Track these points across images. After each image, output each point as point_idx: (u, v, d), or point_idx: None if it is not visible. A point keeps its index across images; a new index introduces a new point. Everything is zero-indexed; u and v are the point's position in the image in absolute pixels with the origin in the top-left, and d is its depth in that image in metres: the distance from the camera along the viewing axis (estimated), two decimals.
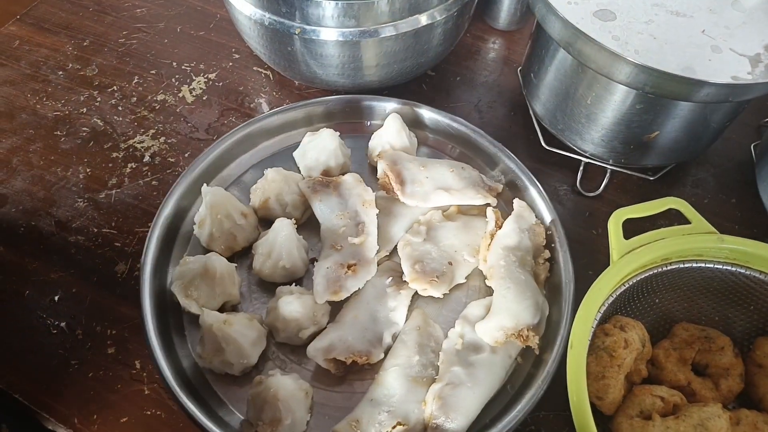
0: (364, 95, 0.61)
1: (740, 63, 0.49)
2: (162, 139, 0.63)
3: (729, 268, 0.45)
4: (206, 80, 0.68)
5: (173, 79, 0.68)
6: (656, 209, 0.46)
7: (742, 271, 0.45)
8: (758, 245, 0.45)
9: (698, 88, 0.47)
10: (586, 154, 0.60)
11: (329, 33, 0.56)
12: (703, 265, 0.45)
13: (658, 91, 0.49)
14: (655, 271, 0.45)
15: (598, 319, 0.42)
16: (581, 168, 0.61)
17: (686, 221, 0.47)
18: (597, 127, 0.56)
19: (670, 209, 0.46)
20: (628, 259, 0.43)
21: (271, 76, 0.69)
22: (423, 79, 0.69)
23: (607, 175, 0.60)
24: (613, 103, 0.53)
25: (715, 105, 0.52)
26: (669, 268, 0.45)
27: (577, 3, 0.52)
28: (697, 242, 0.45)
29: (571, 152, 0.62)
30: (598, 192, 0.60)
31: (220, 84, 0.68)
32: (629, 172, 0.61)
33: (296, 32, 0.55)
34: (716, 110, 0.54)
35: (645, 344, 0.45)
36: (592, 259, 0.54)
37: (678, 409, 0.43)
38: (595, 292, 0.42)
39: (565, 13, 0.50)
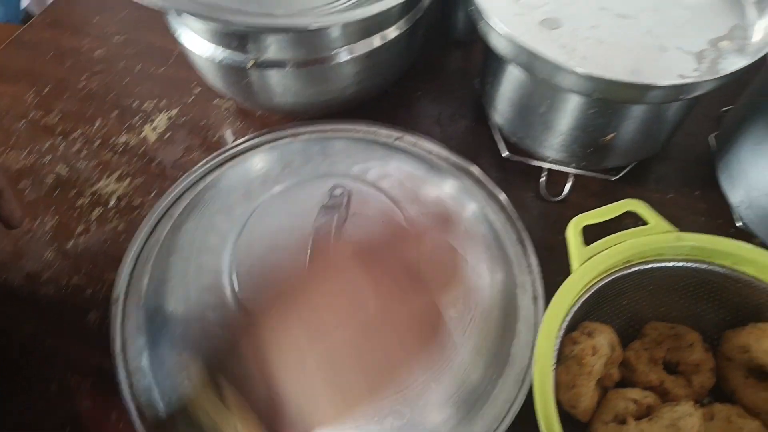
0: (324, 120, 0.61)
1: (686, 61, 0.49)
2: (127, 181, 0.63)
3: (690, 265, 0.46)
4: (169, 117, 0.69)
5: (135, 119, 0.68)
6: (614, 213, 0.46)
7: (704, 266, 0.46)
8: (716, 240, 0.45)
9: (645, 91, 0.48)
10: (548, 160, 0.61)
11: (283, 63, 0.56)
12: (664, 264, 0.46)
13: (607, 96, 0.50)
14: (618, 274, 0.45)
15: (564, 328, 0.43)
16: (544, 174, 0.61)
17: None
18: (554, 133, 0.57)
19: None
20: (589, 266, 0.44)
21: (232, 107, 0.70)
22: (384, 97, 0.70)
23: (570, 179, 0.61)
24: (567, 110, 0.54)
25: (667, 104, 0.53)
26: (631, 270, 0.45)
27: (523, 14, 0.53)
28: (656, 242, 0.45)
29: (533, 159, 0.62)
30: (562, 197, 0.61)
31: (183, 119, 0.68)
32: (592, 174, 0.61)
33: (249, 65, 0.56)
34: (669, 108, 0.54)
35: (615, 348, 0.45)
36: (562, 264, 0.54)
37: (652, 410, 0.44)
38: (557, 304, 0.42)
39: (509, 26, 0.51)
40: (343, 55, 0.57)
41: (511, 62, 0.53)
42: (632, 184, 0.62)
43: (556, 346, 0.42)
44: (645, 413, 0.43)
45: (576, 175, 0.61)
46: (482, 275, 0.49)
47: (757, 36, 0.51)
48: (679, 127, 0.59)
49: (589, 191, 0.62)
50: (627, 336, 0.49)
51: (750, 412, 0.44)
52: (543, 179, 0.61)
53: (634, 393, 0.44)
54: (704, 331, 0.48)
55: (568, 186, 0.61)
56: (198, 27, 0.57)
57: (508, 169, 0.63)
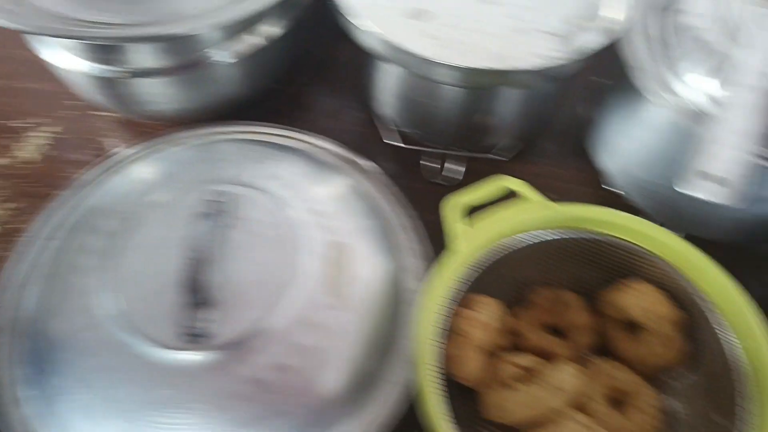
0: (210, 124, 0.60)
1: (550, 42, 0.52)
2: (12, 205, 0.60)
3: (568, 235, 0.48)
4: (50, 133, 0.66)
5: (14, 138, 0.66)
6: (490, 190, 0.48)
7: (581, 235, 0.48)
8: (587, 209, 0.48)
9: (512, 76, 0.50)
10: (440, 148, 0.63)
11: (158, 72, 0.55)
12: (543, 235, 0.48)
13: (477, 84, 0.52)
14: (500, 248, 0.47)
15: (448, 304, 0.44)
16: (437, 162, 0.63)
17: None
18: (440, 122, 0.58)
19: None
20: (465, 243, 0.46)
21: (116, 117, 0.68)
22: (275, 95, 0.70)
23: (463, 164, 0.63)
24: (445, 99, 0.55)
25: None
26: (512, 243, 0.48)
27: (390, 7, 0.54)
28: (532, 215, 0.48)
29: (425, 147, 0.64)
30: (459, 181, 0.63)
31: (65, 135, 0.66)
32: (485, 157, 0.64)
33: (122, 77, 0.54)
34: (542, 88, 0.57)
35: (501, 318, 0.47)
36: None
37: (535, 373, 0.46)
38: (434, 281, 0.44)
39: (376, 19, 0.52)
40: (221, 58, 0.57)
41: (379, 57, 0.54)
42: (525, 162, 0.65)
43: (440, 322, 0.44)
44: (531, 377, 0.46)
45: (469, 160, 0.63)
46: (371, 266, 0.50)
47: (611, 12, 0.54)
48: (560, 103, 0.62)
49: (484, 174, 0.64)
50: (517, 304, 0.51)
51: (627, 365, 0.47)
52: (436, 166, 0.63)
53: (519, 358, 0.47)
54: (586, 293, 0.51)
55: (461, 171, 0.63)
56: (64, 43, 0.55)
57: (402, 160, 0.64)
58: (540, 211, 0.47)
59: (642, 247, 0.48)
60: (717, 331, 0.44)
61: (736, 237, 0.55)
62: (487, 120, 0.58)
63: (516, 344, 0.49)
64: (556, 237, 0.49)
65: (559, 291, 0.51)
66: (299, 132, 0.61)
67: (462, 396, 0.45)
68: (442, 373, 0.43)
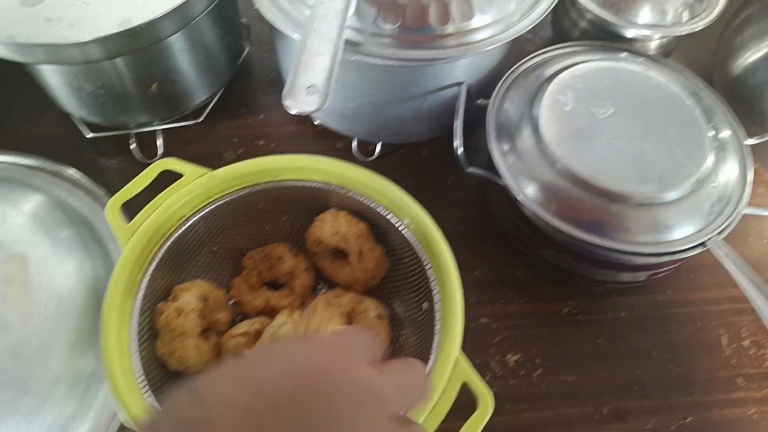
0: None
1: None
2: None
3: (239, 194, 0.48)
4: None
5: None
6: (148, 179, 0.46)
7: (249, 191, 0.48)
8: (241, 165, 0.47)
9: (148, 30, 0.49)
10: (132, 126, 0.59)
11: None
12: (214, 205, 0.47)
13: (118, 51, 0.50)
14: (178, 233, 0.46)
15: (137, 308, 0.43)
16: (133, 141, 0.59)
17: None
18: (114, 100, 0.55)
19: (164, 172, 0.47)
20: (136, 241, 0.44)
21: None
22: None
23: (160, 136, 0.60)
24: (103, 77, 0.53)
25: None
26: (188, 224, 0.46)
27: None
28: (195, 190, 0.46)
29: (119, 130, 0.60)
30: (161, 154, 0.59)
31: None
32: (180, 124, 0.60)
33: None
34: (170, 43, 0.55)
35: (208, 297, 0.47)
36: None
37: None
38: (111, 291, 0.42)
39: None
40: None
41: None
42: (225, 118, 0.63)
43: (134, 328, 0.42)
44: (254, 339, 0.47)
45: (164, 131, 0.60)
46: (70, 273, 0.47)
47: None
48: (227, 49, 0.60)
49: (186, 140, 0.62)
50: (237, 275, 0.51)
51: (345, 288, 0.50)
52: (134, 145, 0.59)
53: (242, 326, 0.47)
54: (294, 240, 0.52)
55: (159, 143, 0.60)
56: None
57: (99, 147, 0.61)
58: (201, 183, 0.46)
59: (315, 181, 0.49)
60: (394, 225, 0.47)
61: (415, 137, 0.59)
62: (150, 87, 0.55)
63: (242, 313, 0.50)
64: (242, 195, 0.48)
65: (267, 247, 0.51)
66: None
67: None
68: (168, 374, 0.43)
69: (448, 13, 0.47)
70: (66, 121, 0.61)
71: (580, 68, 0.53)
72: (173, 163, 0.47)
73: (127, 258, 0.43)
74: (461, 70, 0.52)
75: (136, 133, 0.60)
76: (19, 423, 0.42)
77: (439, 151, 0.62)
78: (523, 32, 0.50)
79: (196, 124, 0.61)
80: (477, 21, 0.49)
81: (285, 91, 0.38)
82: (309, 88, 0.38)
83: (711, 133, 0.50)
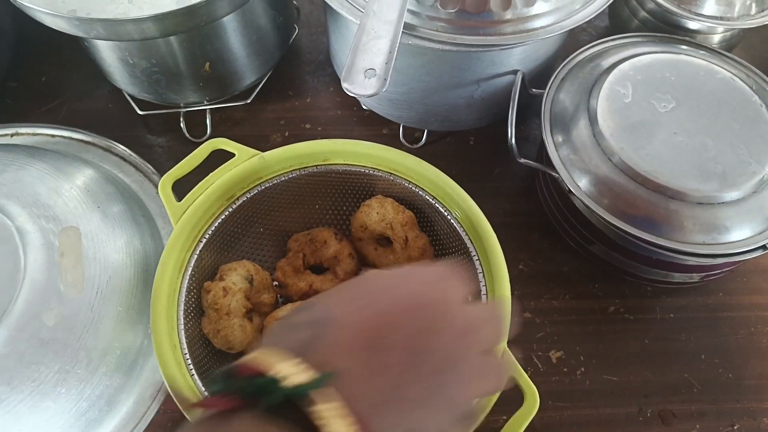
0: None
1: None
2: None
3: (288, 177, 0.48)
4: None
5: None
6: (200, 159, 0.46)
7: (297, 174, 0.48)
8: (295, 147, 0.47)
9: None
10: (182, 105, 0.60)
11: None
12: (263, 186, 0.47)
13: (174, 29, 0.49)
14: (227, 213, 0.46)
15: (185, 285, 0.44)
16: (182, 120, 0.60)
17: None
18: (161, 79, 0.56)
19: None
20: (186, 220, 0.44)
21: None
22: (6, 93, 0.63)
23: (208, 115, 0.60)
24: (158, 54, 0.53)
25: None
26: (237, 204, 0.47)
27: None
28: (246, 169, 0.46)
29: (168, 108, 0.60)
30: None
31: None
32: (229, 105, 0.61)
33: None
34: (229, 23, 0.54)
35: (254, 277, 0.47)
36: None
37: None
38: (163, 265, 0.42)
39: None
40: None
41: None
42: (277, 99, 0.63)
43: (181, 305, 0.43)
44: None
45: (212, 110, 0.61)
46: (121, 248, 0.48)
47: None
48: (287, 31, 0.59)
49: (234, 121, 0.62)
50: (282, 257, 0.52)
51: None
52: (183, 124, 0.60)
53: (285, 309, 0.47)
54: (339, 224, 0.52)
55: (208, 122, 0.60)
56: None
57: (148, 124, 0.62)
58: (252, 164, 0.46)
59: (363, 166, 0.48)
60: (443, 213, 0.47)
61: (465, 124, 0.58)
62: (204, 66, 0.55)
63: (285, 295, 0.50)
64: (291, 178, 0.48)
65: (313, 231, 0.51)
66: (25, 126, 0.56)
67: None
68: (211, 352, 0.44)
69: None
70: (118, 98, 0.62)
71: (641, 60, 0.51)
72: (225, 143, 0.47)
73: (177, 236, 0.44)
74: (517, 57, 0.51)
75: (185, 112, 0.60)
76: (71, 391, 0.43)
77: (486, 139, 0.61)
78: (584, 21, 0.48)
79: (245, 105, 0.62)
80: (538, 7, 0.48)
81: (344, 74, 0.38)
82: (368, 71, 0.38)
83: None
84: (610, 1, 0.49)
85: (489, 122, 0.58)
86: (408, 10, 0.47)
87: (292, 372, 0.23)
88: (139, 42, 0.52)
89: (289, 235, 0.52)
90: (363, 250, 0.51)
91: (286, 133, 0.61)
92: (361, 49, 0.39)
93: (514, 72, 0.51)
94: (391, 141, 0.60)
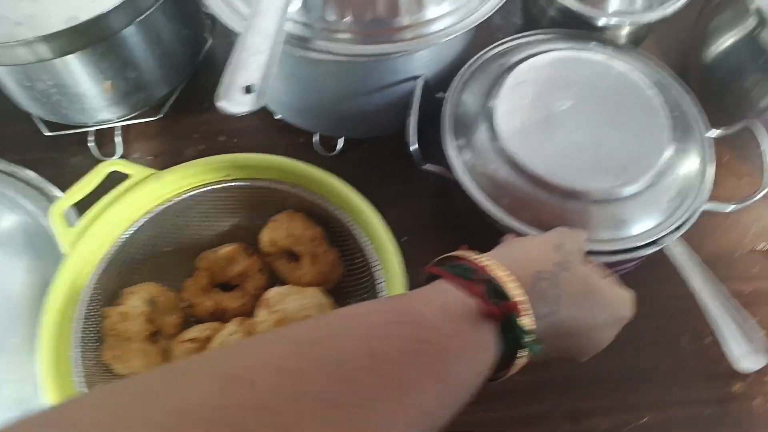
0: None
1: None
2: None
3: (189, 195, 0.47)
4: None
5: None
6: (95, 182, 0.45)
7: (198, 191, 0.48)
8: (194, 164, 0.47)
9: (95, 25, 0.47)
10: (91, 124, 0.58)
11: None
12: (164, 206, 0.47)
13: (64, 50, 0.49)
14: (127, 235, 0.46)
15: (82, 316, 0.43)
16: (91, 139, 0.59)
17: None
18: (71, 97, 0.55)
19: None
20: (80, 247, 0.43)
21: None
22: None
23: (118, 133, 0.59)
24: (55, 74, 0.52)
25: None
26: (137, 226, 0.46)
27: None
28: (142, 190, 0.46)
29: (75, 128, 0.59)
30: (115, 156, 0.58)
31: None
32: (142, 120, 0.60)
33: None
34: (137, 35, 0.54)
35: (157, 299, 0.46)
36: None
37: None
38: (52, 298, 0.41)
39: None
40: None
41: None
42: (180, 112, 0.62)
43: (76, 334, 0.42)
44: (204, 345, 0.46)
45: (126, 127, 0.59)
46: (18, 277, 0.47)
47: None
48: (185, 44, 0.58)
49: (148, 136, 0.61)
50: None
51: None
52: (92, 143, 0.59)
53: (192, 332, 0.46)
54: (250, 240, 0.51)
55: (118, 141, 0.59)
56: None
57: (59, 145, 0.60)
58: (150, 185, 0.45)
59: (268, 179, 0.48)
60: (345, 224, 0.47)
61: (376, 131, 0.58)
62: (103, 85, 0.54)
63: (194, 315, 0.49)
64: (189, 197, 0.48)
65: (220, 248, 0.50)
66: None
67: None
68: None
69: (397, 5, 0.45)
70: (26, 120, 0.60)
71: (542, 58, 0.51)
72: (119, 164, 0.46)
73: (70, 264, 0.43)
74: (419, 62, 0.51)
75: (96, 131, 0.59)
76: None
77: (403, 145, 0.61)
78: (477, 23, 0.48)
79: (158, 119, 0.60)
80: (431, 12, 0.47)
81: (220, 91, 0.37)
82: (246, 87, 0.37)
83: (671, 124, 0.48)
84: (504, 1, 0.49)
85: (404, 127, 0.58)
86: (300, 22, 0.46)
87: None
88: (34, 64, 0.50)
89: (197, 253, 0.51)
90: (274, 265, 0.50)
91: (201, 147, 0.60)
92: (241, 64, 0.38)
93: (417, 77, 0.50)
94: (307, 149, 0.59)
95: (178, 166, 0.46)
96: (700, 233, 0.52)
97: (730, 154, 0.59)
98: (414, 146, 0.48)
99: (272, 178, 0.48)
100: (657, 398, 0.48)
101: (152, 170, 0.46)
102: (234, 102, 0.37)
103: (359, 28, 0.46)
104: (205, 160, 0.47)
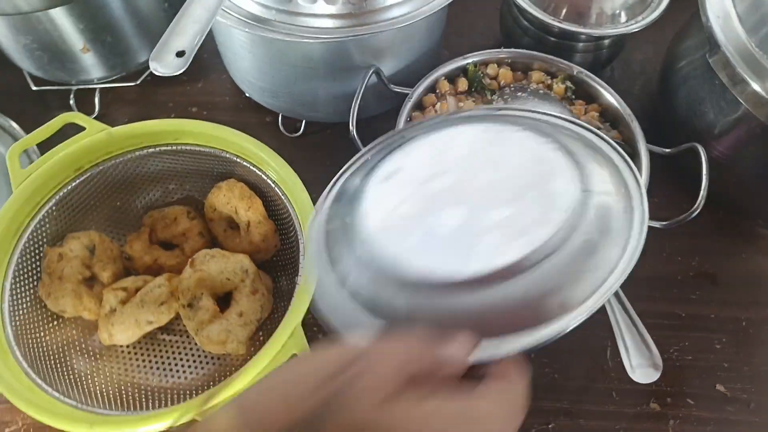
0: None
1: None
2: None
3: (138, 153, 0.50)
4: None
5: None
6: (52, 130, 0.48)
7: (147, 151, 0.50)
8: (144, 125, 0.49)
9: None
10: (73, 82, 0.62)
11: None
12: (113, 161, 0.50)
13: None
14: (74, 184, 0.48)
15: (18, 251, 0.46)
16: (72, 97, 0.61)
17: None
18: (50, 56, 0.58)
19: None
20: (25, 186, 0.46)
21: None
22: None
23: (97, 94, 0.62)
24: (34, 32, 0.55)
25: None
26: (85, 176, 0.49)
27: None
28: (93, 142, 0.48)
29: (60, 85, 0.63)
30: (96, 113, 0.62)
31: None
32: (120, 85, 0.63)
33: None
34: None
35: (96, 247, 0.49)
36: None
37: None
38: None
39: None
40: None
41: None
42: (159, 82, 0.64)
43: (12, 268, 0.45)
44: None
45: (104, 90, 0.63)
46: None
47: None
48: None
49: (125, 101, 0.64)
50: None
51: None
52: (72, 101, 0.62)
53: (125, 282, 0.49)
54: (195, 203, 0.54)
55: (96, 101, 0.62)
56: None
57: (45, 100, 0.64)
58: (99, 139, 0.48)
59: (213, 147, 0.50)
60: (288, 207, 0.48)
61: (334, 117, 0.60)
62: (81, 48, 0.57)
63: (133, 268, 0.52)
64: (139, 155, 0.50)
65: (168, 209, 0.53)
66: None
67: None
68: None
69: None
70: (17, 73, 0.64)
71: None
72: (76, 117, 0.49)
73: (13, 201, 0.46)
74: (372, 52, 0.52)
75: (76, 90, 0.62)
76: None
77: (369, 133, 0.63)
78: (423, 17, 0.49)
79: (137, 86, 0.64)
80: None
81: (155, 53, 0.40)
82: (179, 52, 0.40)
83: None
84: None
85: (367, 115, 0.59)
86: (260, 3, 0.48)
87: None
88: (20, 17, 0.53)
89: (147, 211, 0.54)
90: (214, 230, 0.53)
91: (172, 115, 0.63)
92: (179, 30, 0.40)
93: (370, 67, 0.52)
94: (273, 128, 0.62)
95: (130, 124, 0.49)
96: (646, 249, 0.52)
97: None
98: (353, 132, 0.50)
99: (217, 146, 0.50)
100: (568, 406, 0.48)
101: (105, 126, 0.49)
102: (165, 64, 0.39)
103: (312, 10, 0.48)
104: (155, 122, 0.50)
